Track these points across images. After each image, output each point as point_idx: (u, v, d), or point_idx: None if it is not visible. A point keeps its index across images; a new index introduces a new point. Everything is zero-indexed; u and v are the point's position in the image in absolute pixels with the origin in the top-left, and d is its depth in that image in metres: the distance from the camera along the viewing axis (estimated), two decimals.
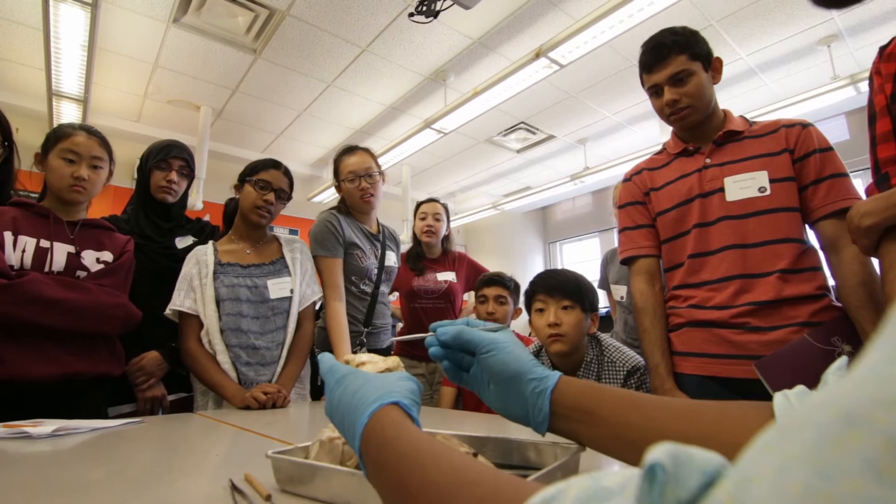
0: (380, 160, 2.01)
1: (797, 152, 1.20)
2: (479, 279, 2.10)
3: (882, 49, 0.94)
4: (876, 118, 0.93)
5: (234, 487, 0.51)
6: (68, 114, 3.63)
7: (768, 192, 1.19)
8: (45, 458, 0.76)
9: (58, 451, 0.80)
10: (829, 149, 1.19)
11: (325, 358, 0.53)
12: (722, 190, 1.24)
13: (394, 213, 5.55)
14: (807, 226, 1.21)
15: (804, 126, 1.22)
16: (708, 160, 1.28)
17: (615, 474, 0.17)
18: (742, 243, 1.20)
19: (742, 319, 1.16)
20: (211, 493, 0.53)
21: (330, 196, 5.20)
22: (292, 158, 5.15)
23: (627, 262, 1.42)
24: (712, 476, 0.15)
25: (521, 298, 1.69)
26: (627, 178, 1.46)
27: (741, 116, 1.33)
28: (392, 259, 1.95)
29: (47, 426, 0.90)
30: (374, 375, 0.46)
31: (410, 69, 3.67)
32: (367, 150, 1.91)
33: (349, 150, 1.90)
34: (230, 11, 3.06)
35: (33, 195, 1.40)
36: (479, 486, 0.27)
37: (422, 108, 4.20)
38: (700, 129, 1.31)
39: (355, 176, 1.82)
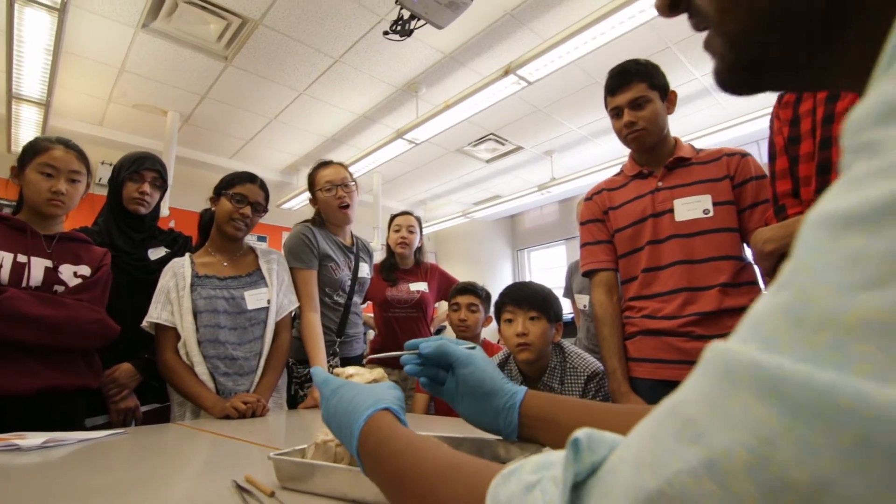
0: (351, 168, 2.07)
1: (736, 178, 1.34)
2: (453, 288, 2.18)
3: (780, 97, 1.09)
4: (776, 156, 1.08)
5: (238, 487, 0.58)
6: (27, 117, 3.52)
7: (711, 214, 1.32)
8: (40, 468, 0.78)
9: (49, 462, 0.82)
10: (764, 176, 1.33)
11: (318, 371, 0.59)
12: (672, 211, 1.37)
13: (364, 220, 5.58)
14: (745, 245, 1.35)
15: (743, 155, 1.37)
16: (660, 183, 1.41)
17: (558, 452, 0.26)
18: (689, 259, 1.33)
19: (688, 328, 1.29)
20: (216, 495, 0.59)
21: (300, 203, 5.19)
22: (262, 165, 5.12)
23: (588, 274, 1.54)
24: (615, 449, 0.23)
25: (492, 308, 1.79)
26: (589, 198, 1.58)
27: (689, 144, 1.47)
28: (365, 270, 2.01)
29: (34, 438, 0.92)
30: (366, 386, 0.54)
31: (383, 80, 3.74)
32: (341, 164, 1.97)
33: (324, 163, 1.96)
34: (202, 19, 3.05)
35: (7, 203, 1.40)
36: (462, 468, 0.35)
37: (394, 118, 4.27)
38: (653, 154, 1.45)
39: (332, 185, 1.87)
